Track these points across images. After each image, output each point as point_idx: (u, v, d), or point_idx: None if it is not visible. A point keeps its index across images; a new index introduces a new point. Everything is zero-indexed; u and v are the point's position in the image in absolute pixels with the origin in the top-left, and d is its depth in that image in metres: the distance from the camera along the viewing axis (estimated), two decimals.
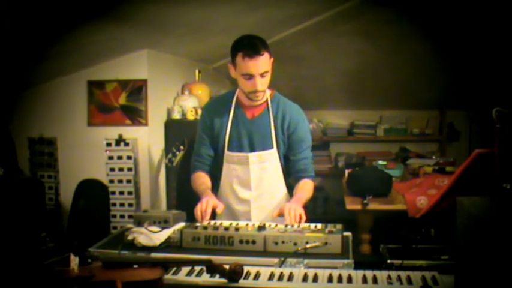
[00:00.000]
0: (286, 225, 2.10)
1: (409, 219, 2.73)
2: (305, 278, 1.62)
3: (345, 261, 1.79)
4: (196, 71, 4.25)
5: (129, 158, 3.63)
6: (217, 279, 1.62)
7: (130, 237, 2.01)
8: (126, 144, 3.64)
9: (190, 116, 3.83)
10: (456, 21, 4.05)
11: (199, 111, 3.65)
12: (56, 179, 3.83)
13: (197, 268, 1.70)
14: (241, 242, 1.94)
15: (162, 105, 3.92)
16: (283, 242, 1.91)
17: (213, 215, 2.29)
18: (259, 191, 2.46)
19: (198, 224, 2.12)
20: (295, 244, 1.89)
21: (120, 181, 3.65)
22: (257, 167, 2.43)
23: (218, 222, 2.16)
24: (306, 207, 2.31)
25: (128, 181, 3.65)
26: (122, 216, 3.66)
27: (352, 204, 3.20)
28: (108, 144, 3.64)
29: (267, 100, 2.46)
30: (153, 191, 3.78)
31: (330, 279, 1.61)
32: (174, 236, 2.02)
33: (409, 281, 1.59)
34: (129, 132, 3.68)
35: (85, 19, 2.79)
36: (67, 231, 3.63)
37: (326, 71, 5.16)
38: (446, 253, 2.05)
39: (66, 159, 3.82)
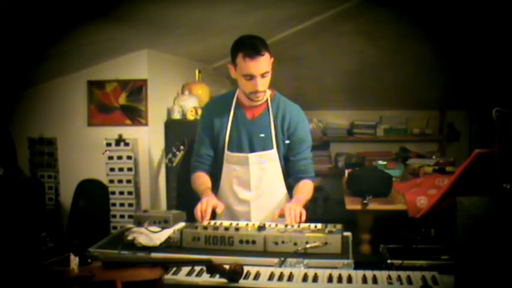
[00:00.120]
0: (286, 225, 2.10)
1: (409, 219, 2.72)
2: (305, 278, 1.63)
3: (345, 261, 1.79)
4: (196, 71, 4.25)
5: (129, 158, 3.63)
6: (217, 279, 1.62)
7: (130, 237, 2.01)
8: (126, 144, 3.64)
9: (190, 116, 3.83)
10: (456, 21, 4.05)
11: (199, 111, 3.65)
12: (56, 179, 3.83)
13: (197, 268, 1.70)
14: (241, 242, 1.94)
15: (162, 105, 3.92)
16: (283, 242, 1.91)
17: (213, 215, 2.29)
18: (259, 191, 2.46)
19: (198, 224, 2.12)
20: (295, 244, 1.89)
21: (120, 181, 3.65)
22: (257, 167, 2.43)
23: (218, 222, 2.16)
24: (306, 207, 2.31)
25: (128, 181, 3.65)
26: (122, 216, 3.66)
27: (352, 204, 3.20)
28: (108, 144, 3.64)
29: (267, 100, 2.46)
30: (153, 191, 3.78)
31: (330, 279, 1.62)
32: (174, 236, 2.02)
33: (409, 281, 1.59)
34: (129, 132, 3.68)
35: (85, 19, 2.79)
36: (67, 231, 3.63)
37: (326, 71, 5.16)
38: (446, 253, 2.05)
39: (66, 159, 3.82)
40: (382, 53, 4.79)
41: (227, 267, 1.60)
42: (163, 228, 2.07)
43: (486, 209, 1.35)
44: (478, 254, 1.25)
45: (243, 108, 2.47)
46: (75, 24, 2.82)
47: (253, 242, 1.93)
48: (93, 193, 3.64)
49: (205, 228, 2.04)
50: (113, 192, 3.66)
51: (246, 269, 1.65)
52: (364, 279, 1.61)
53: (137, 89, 3.68)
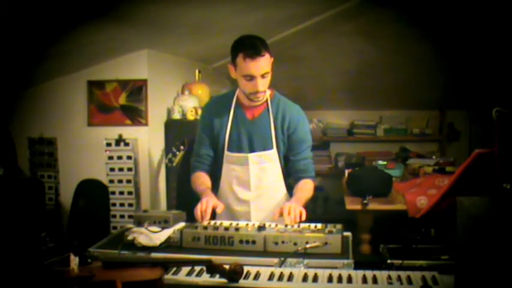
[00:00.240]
0: (286, 225, 2.10)
1: (409, 219, 2.72)
2: (305, 278, 1.62)
3: (345, 261, 1.79)
4: (196, 71, 4.25)
5: (129, 158, 3.63)
6: (217, 279, 1.62)
7: (130, 237, 2.01)
8: (126, 144, 3.64)
9: (190, 116, 3.83)
10: (456, 21, 4.05)
11: (199, 111, 3.66)
12: (56, 179, 3.83)
13: (197, 268, 1.70)
14: (241, 242, 1.94)
15: (162, 105, 3.92)
16: (283, 242, 1.91)
17: (213, 215, 2.29)
18: (258, 191, 2.45)
19: (198, 224, 2.12)
20: (295, 244, 1.89)
21: (120, 181, 3.65)
22: (257, 167, 2.43)
23: (218, 222, 2.16)
24: (306, 207, 2.30)
25: (128, 181, 3.65)
26: (122, 216, 3.66)
27: (352, 204, 3.20)
28: (108, 144, 3.64)
29: (267, 100, 2.45)
30: (153, 191, 3.78)
31: (330, 279, 1.61)
32: (174, 236, 2.02)
33: (409, 281, 1.59)
34: (129, 132, 3.68)
35: (85, 19, 2.79)
36: (67, 231, 3.63)
37: (326, 71, 5.16)
38: (446, 253, 2.05)
39: (66, 159, 3.82)
40: (382, 53, 4.79)
41: (227, 267, 1.60)
42: (163, 228, 2.07)
43: (486, 209, 1.35)
44: (478, 254, 1.25)
45: (243, 108, 2.46)
46: (75, 24, 2.82)
47: (253, 242, 1.93)
48: (93, 193, 3.64)
49: (205, 228, 2.04)
50: (113, 192, 3.66)
51: (246, 269, 1.64)
52: (364, 279, 1.60)
53: (137, 89, 3.69)
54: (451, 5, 3.81)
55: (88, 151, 3.74)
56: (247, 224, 2.15)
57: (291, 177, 2.51)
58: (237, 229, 2.00)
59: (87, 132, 3.76)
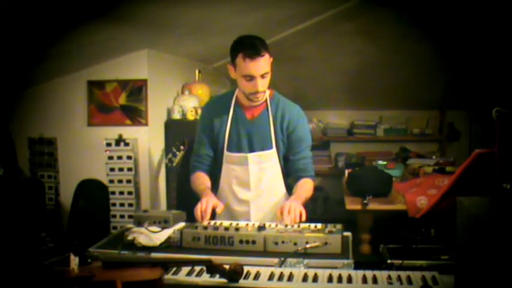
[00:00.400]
0: (286, 225, 2.10)
1: (409, 219, 2.72)
2: (305, 278, 1.62)
3: (345, 261, 1.79)
4: (196, 71, 4.25)
5: (129, 158, 3.63)
6: (217, 279, 1.62)
7: (130, 237, 2.01)
8: (126, 144, 3.64)
9: (190, 116, 3.83)
10: (456, 21, 4.05)
11: (199, 111, 3.65)
12: (56, 179, 3.83)
13: (197, 268, 1.70)
14: (241, 242, 1.94)
15: (162, 105, 3.92)
16: (283, 242, 1.91)
17: (213, 215, 2.29)
18: (258, 191, 2.45)
19: (198, 224, 2.12)
20: (295, 244, 1.89)
21: (120, 181, 3.65)
22: (256, 167, 2.43)
23: (218, 222, 2.16)
24: (306, 207, 2.30)
25: (128, 181, 3.65)
26: (122, 216, 3.66)
27: (352, 204, 3.20)
28: (108, 144, 3.64)
29: (266, 100, 2.45)
30: (153, 191, 3.78)
31: (330, 279, 1.61)
32: (174, 236, 2.02)
33: (409, 281, 1.59)
34: (129, 132, 3.68)
35: (85, 19, 2.79)
36: (67, 231, 3.63)
37: (326, 71, 5.16)
38: (446, 253, 2.05)
39: (66, 159, 3.82)
40: (382, 53, 4.80)
41: (227, 267, 1.60)
42: (163, 228, 2.07)
43: (486, 209, 1.35)
44: (478, 254, 1.25)
45: (243, 108, 2.46)
46: (75, 24, 2.82)
47: (253, 242, 1.93)
48: (93, 193, 3.64)
49: (205, 228, 2.04)
50: (113, 192, 3.66)
51: (246, 269, 1.64)
52: (364, 279, 1.60)
53: (137, 89, 3.68)
54: (451, 5, 3.81)
55: (88, 151, 3.74)
56: (247, 224, 2.15)
57: (290, 177, 2.51)
58: (237, 229, 2.00)
59: (87, 132, 3.76)
